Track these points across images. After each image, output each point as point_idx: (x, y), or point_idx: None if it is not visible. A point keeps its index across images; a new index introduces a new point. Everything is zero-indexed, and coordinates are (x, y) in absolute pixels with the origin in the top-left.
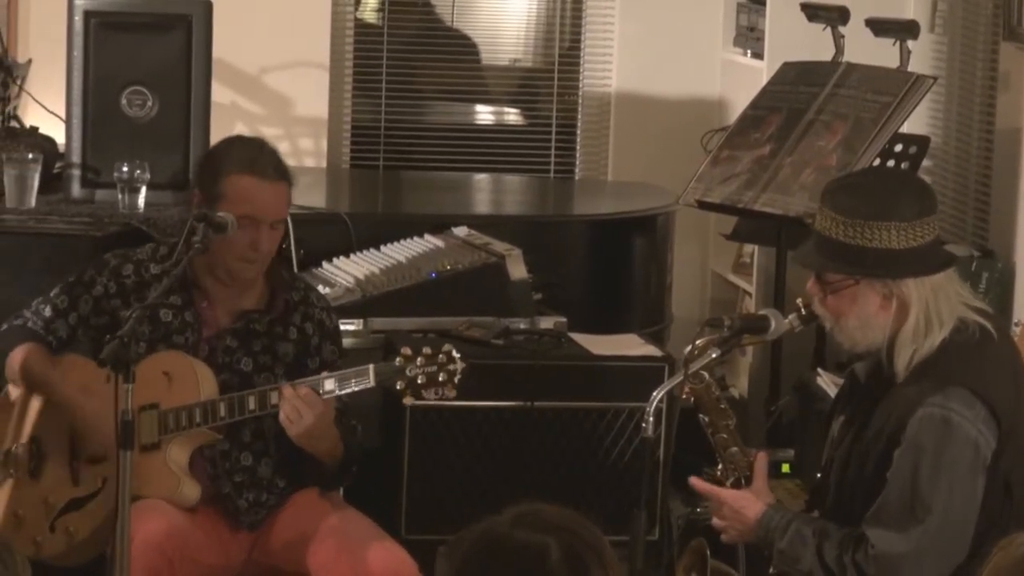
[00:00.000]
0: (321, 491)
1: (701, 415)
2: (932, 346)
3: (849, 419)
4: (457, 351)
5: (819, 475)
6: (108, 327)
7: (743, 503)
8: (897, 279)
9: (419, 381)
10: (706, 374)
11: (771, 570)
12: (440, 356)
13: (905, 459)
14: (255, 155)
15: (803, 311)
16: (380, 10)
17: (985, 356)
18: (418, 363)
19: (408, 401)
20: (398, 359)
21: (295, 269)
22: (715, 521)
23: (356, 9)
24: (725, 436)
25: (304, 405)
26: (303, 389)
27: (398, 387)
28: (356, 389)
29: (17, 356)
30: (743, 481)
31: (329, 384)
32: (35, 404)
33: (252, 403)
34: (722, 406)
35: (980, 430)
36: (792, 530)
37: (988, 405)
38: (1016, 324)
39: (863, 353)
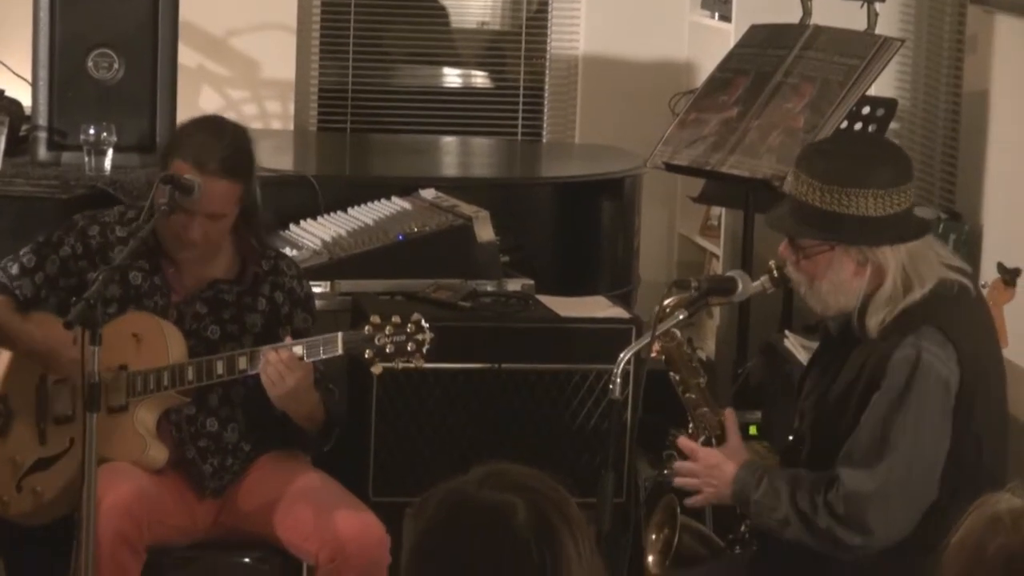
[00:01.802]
0: (301, 454)
1: (672, 373)
2: (912, 301)
3: (822, 370)
4: (426, 320)
5: (791, 437)
6: (75, 288)
7: (718, 459)
8: (872, 247)
9: (387, 350)
10: (678, 332)
11: (743, 527)
12: (409, 326)
13: (878, 399)
14: (207, 146)
15: (775, 273)
16: None
17: (960, 306)
18: (387, 332)
19: (376, 370)
20: (367, 328)
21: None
22: (681, 481)
23: None
24: (695, 396)
25: (286, 368)
26: (285, 352)
27: (366, 355)
28: (324, 357)
29: None
30: (713, 441)
31: (298, 351)
32: (3, 361)
33: (220, 367)
34: (693, 364)
35: (952, 369)
36: (766, 481)
37: (957, 349)
38: (983, 285)
39: (834, 316)
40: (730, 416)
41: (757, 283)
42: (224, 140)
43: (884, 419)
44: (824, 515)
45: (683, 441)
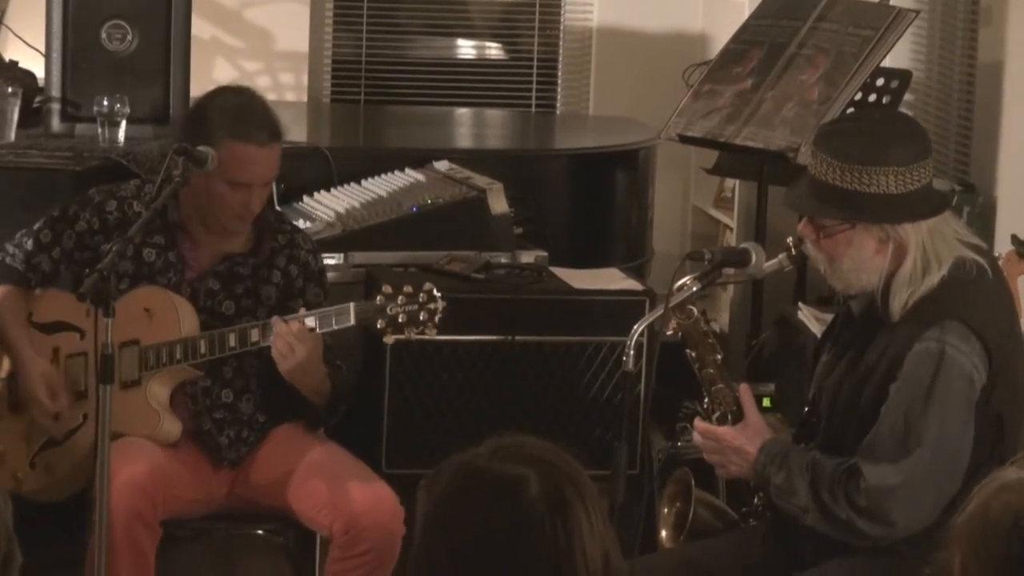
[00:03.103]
0: (307, 428)
1: (688, 350)
2: (930, 286)
3: (841, 351)
4: (438, 290)
5: (806, 409)
6: (90, 262)
7: (739, 442)
8: (894, 224)
9: (400, 320)
10: (694, 308)
11: (755, 500)
12: (421, 295)
13: (900, 392)
14: (246, 118)
15: (792, 251)
16: None
17: (981, 291)
18: (399, 302)
19: (389, 340)
20: (379, 298)
21: (276, 204)
22: (709, 457)
23: None
24: (712, 371)
25: (296, 340)
26: (295, 324)
27: (378, 326)
28: (337, 328)
29: None
30: (729, 417)
31: (310, 322)
32: None
33: (232, 340)
34: (710, 341)
35: (975, 364)
36: (787, 467)
37: (982, 340)
38: (998, 256)
39: (856, 294)
40: (746, 392)
41: (775, 260)
42: (256, 106)
43: (907, 413)
44: (845, 507)
45: (700, 424)
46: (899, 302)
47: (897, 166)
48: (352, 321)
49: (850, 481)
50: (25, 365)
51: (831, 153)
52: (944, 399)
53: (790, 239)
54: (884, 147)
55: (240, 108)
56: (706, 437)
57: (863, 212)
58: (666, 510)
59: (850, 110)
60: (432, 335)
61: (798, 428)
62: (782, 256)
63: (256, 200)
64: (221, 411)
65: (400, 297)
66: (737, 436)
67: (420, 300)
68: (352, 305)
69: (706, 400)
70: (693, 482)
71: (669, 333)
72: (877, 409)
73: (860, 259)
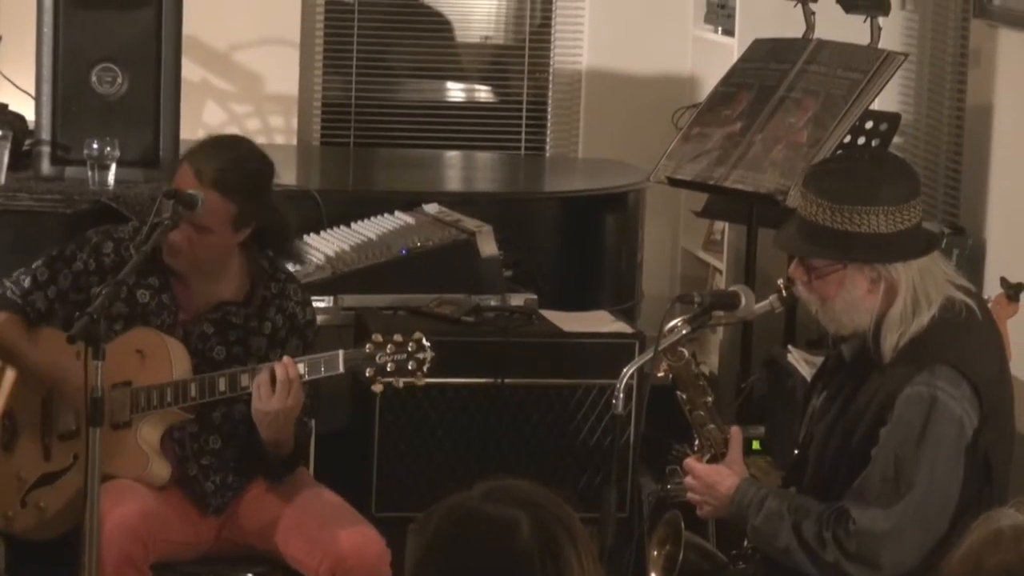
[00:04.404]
0: (265, 479)
1: (679, 392)
2: (920, 326)
3: (833, 394)
4: (428, 336)
5: (796, 452)
6: (85, 304)
7: (716, 477)
8: (886, 263)
9: (388, 368)
10: (685, 351)
11: (746, 543)
12: (410, 344)
13: (891, 436)
14: (209, 155)
15: (783, 292)
16: None
17: (971, 334)
18: (388, 350)
19: (377, 388)
20: (368, 346)
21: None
22: (690, 496)
23: None
24: (703, 413)
25: (295, 386)
26: (294, 370)
27: (367, 374)
28: (325, 375)
29: None
30: (719, 458)
31: (300, 368)
32: (9, 377)
33: (223, 384)
34: (700, 383)
35: (965, 408)
36: (767, 507)
37: (972, 384)
38: (987, 299)
39: (848, 335)
40: (735, 434)
41: (766, 302)
42: (229, 155)
43: (898, 457)
44: (833, 550)
45: (687, 460)
46: (890, 342)
47: (888, 205)
48: (341, 369)
49: (839, 524)
50: (46, 369)
51: (821, 194)
52: (935, 443)
53: (781, 280)
54: (874, 187)
55: (213, 145)
56: (687, 472)
57: (854, 252)
58: (656, 552)
59: (840, 153)
60: (420, 384)
61: (788, 471)
62: (773, 298)
63: (179, 234)
64: (208, 457)
65: (389, 346)
66: (714, 474)
67: (409, 349)
68: (341, 353)
69: (696, 442)
70: (683, 524)
71: (660, 375)
72: (867, 452)
73: (852, 299)
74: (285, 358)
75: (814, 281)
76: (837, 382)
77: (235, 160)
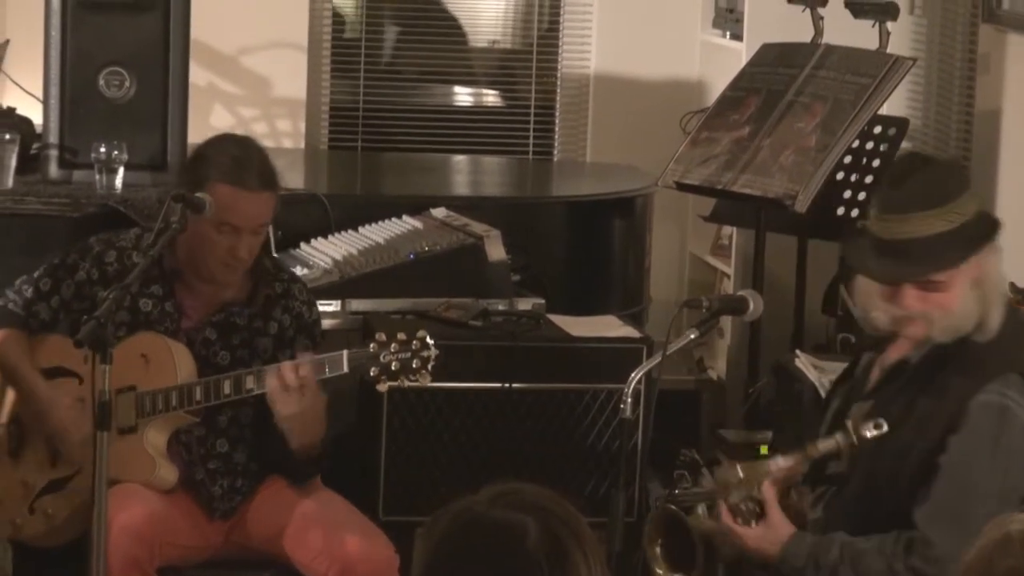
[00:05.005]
0: (290, 483)
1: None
2: (996, 323)
3: (886, 401)
4: (432, 337)
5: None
6: (88, 312)
7: (762, 544)
8: (996, 236)
9: (393, 368)
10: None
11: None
12: (414, 343)
13: (962, 447)
14: (240, 162)
15: (854, 437)
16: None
17: None
18: (392, 349)
19: (382, 388)
20: (372, 345)
21: (273, 251)
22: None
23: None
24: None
25: (309, 386)
26: (303, 369)
27: (372, 373)
28: (329, 375)
29: None
30: (753, 523)
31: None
32: None
33: (228, 387)
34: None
35: None
36: (819, 564)
37: None
38: None
39: (940, 338)
40: (769, 491)
41: (831, 440)
42: (251, 153)
43: (972, 468)
44: None
45: (726, 525)
46: (991, 326)
47: (962, 193)
48: (345, 369)
49: (911, 554)
50: (44, 402)
51: (928, 205)
52: (1008, 454)
53: (849, 424)
54: (948, 179)
55: (236, 153)
56: (731, 534)
57: (979, 238)
58: (656, 550)
59: (848, 158)
60: (426, 382)
61: (804, 477)
62: (839, 436)
63: (244, 247)
64: (215, 461)
65: (393, 345)
66: (757, 540)
67: (413, 348)
68: (345, 353)
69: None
70: (672, 511)
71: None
72: (933, 460)
73: (965, 300)
74: (286, 363)
75: (932, 295)
76: (891, 389)
77: (259, 155)
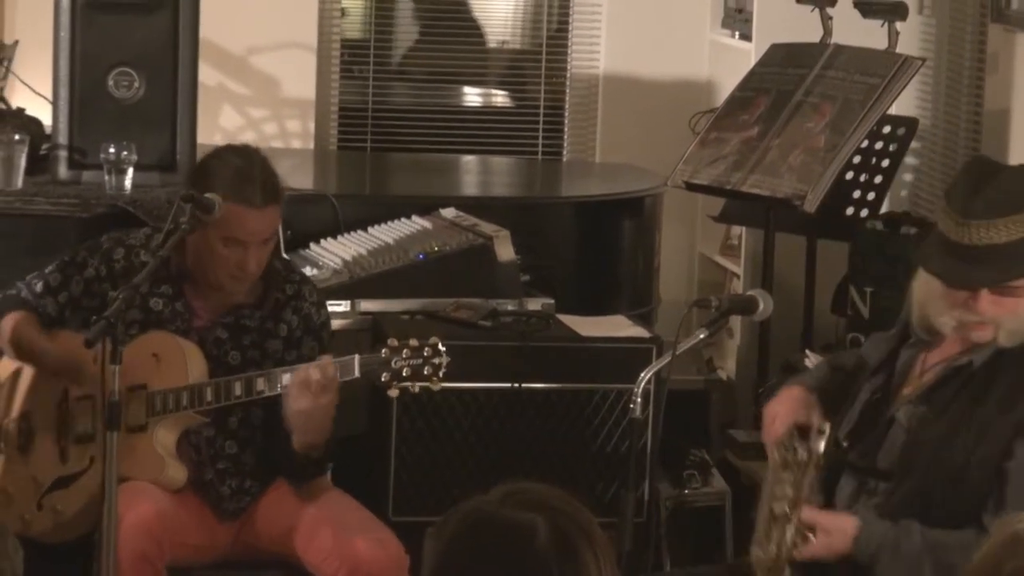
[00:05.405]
0: (290, 483)
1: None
2: None
3: (943, 405)
4: (444, 341)
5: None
6: (97, 310)
7: (832, 547)
8: None
9: (404, 373)
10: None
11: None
12: (426, 349)
13: None
14: (245, 178)
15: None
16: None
17: None
18: (404, 355)
19: (393, 393)
20: (384, 351)
21: (283, 252)
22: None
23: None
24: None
25: (332, 386)
26: (331, 369)
27: (383, 379)
28: (341, 379)
29: (8, 323)
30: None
31: (315, 374)
32: (25, 379)
33: (238, 389)
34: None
35: None
36: (902, 550)
37: None
38: None
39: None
40: (805, 512)
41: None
42: (255, 167)
43: None
44: None
45: (807, 514)
46: None
47: None
48: (356, 374)
49: None
50: (55, 357)
51: (1001, 212)
52: None
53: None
54: (1022, 186)
55: (239, 168)
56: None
57: None
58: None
59: (857, 158)
60: (436, 389)
61: (837, 463)
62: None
63: (252, 260)
64: (224, 462)
65: (405, 350)
66: (825, 547)
67: (425, 354)
68: (356, 358)
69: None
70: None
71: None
72: (998, 465)
73: None
74: (325, 357)
75: (1006, 300)
76: (947, 391)
77: (263, 167)
